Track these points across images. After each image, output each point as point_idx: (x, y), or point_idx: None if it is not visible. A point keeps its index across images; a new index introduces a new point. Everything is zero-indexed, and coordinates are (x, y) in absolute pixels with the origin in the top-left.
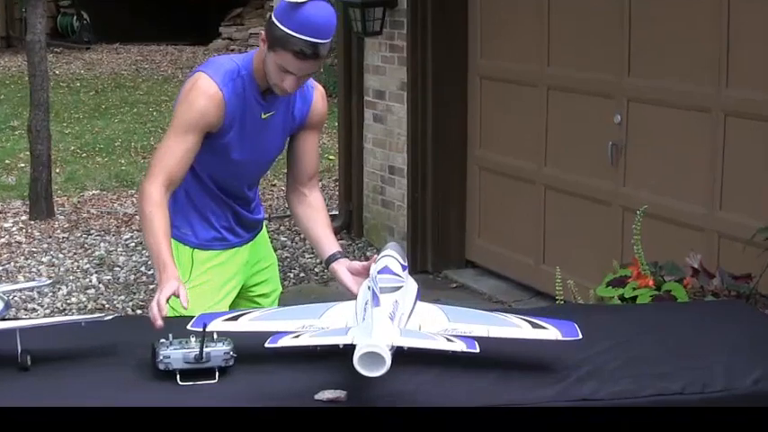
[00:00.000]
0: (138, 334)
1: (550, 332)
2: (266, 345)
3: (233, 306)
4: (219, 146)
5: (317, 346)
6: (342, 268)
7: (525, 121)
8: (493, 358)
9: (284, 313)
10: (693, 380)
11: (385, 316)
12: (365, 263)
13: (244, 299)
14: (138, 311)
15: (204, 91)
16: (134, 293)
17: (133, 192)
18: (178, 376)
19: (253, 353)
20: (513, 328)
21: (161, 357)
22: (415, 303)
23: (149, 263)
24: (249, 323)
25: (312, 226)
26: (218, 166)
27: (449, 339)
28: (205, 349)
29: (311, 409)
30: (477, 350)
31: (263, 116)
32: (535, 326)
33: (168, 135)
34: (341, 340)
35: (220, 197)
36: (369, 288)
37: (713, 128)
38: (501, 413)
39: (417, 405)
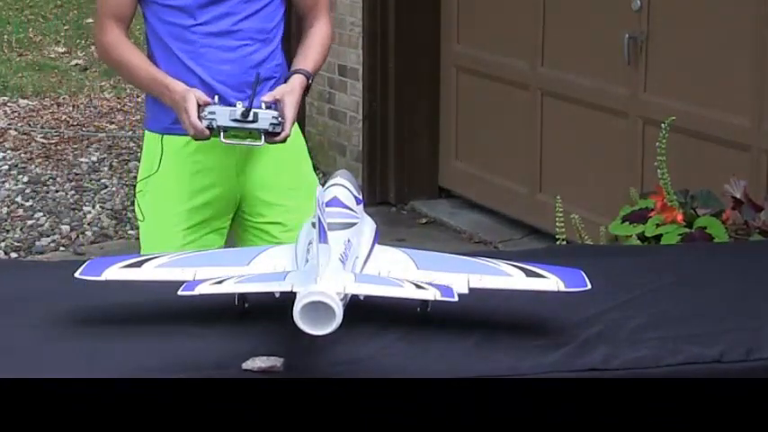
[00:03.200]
0: (19, 283)
1: (550, 282)
2: (180, 292)
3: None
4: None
5: (244, 295)
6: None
7: (515, 8)
8: (475, 316)
9: (201, 259)
10: (735, 344)
11: (334, 257)
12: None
13: (249, 231)
14: (13, 254)
15: None
16: (7, 231)
17: (6, 98)
18: (221, 134)
19: (159, 310)
20: (502, 276)
21: (206, 113)
22: (372, 247)
23: (26, 191)
24: (155, 271)
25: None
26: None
27: (418, 286)
28: (252, 110)
29: (237, 381)
30: (456, 298)
31: None
32: (530, 274)
33: None
34: (277, 287)
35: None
36: (313, 225)
37: (762, 16)
38: (485, 386)
39: (376, 376)
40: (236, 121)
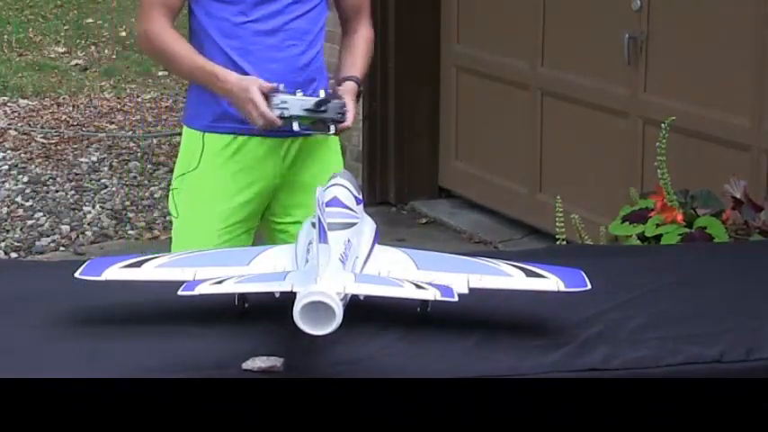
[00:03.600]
0: (19, 283)
1: (550, 282)
2: (180, 292)
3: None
4: None
5: (244, 295)
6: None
7: (515, 8)
8: (475, 316)
9: (201, 259)
10: (735, 344)
11: (334, 257)
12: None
13: (274, 232)
14: (13, 254)
15: None
16: (7, 231)
17: (6, 98)
18: (295, 124)
19: (159, 310)
20: (502, 276)
21: (278, 101)
22: (372, 247)
23: (26, 191)
24: (155, 271)
25: (340, 56)
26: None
27: (418, 286)
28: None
29: (237, 381)
30: (456, 298)
31: None
32: (530, 274)
33: None
34: (277, 287)
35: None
36: (313, 225)
37: (762, 16)
38: (485, 386)
39: (376, 376)
40: (308, 111)
